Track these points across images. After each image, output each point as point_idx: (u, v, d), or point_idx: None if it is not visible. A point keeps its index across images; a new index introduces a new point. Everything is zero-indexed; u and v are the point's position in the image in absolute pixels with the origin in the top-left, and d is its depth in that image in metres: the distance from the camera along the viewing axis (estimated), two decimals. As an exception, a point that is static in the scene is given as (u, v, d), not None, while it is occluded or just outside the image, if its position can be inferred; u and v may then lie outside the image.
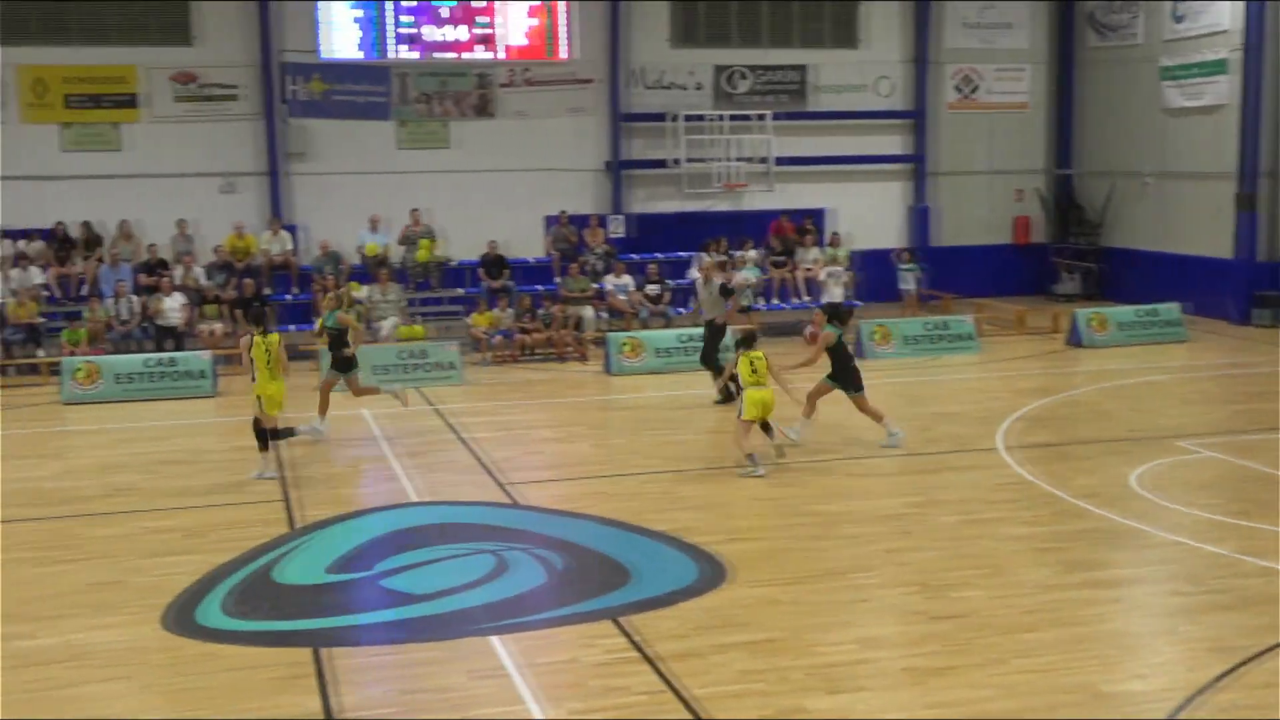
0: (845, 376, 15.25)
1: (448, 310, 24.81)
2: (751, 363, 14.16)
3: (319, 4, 26.14)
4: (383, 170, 26.54)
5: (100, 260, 23.50)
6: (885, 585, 10.45)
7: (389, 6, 26.53)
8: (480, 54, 27.18)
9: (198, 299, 22.76)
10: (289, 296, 24.28)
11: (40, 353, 21.74)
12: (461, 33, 27.02)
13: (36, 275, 22.86)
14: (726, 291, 18.75)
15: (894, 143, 29.99)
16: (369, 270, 23.99)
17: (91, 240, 24.05)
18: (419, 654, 9.09)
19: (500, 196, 26.99)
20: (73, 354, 20.61)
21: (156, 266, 23.29)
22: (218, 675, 8.80)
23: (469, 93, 27.25)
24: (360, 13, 26.45)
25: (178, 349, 21.31)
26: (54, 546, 12.03)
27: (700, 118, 27.80)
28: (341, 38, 26.42)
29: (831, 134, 29.17)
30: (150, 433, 17.21)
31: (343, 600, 10.44)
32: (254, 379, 14.44)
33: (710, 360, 18.53)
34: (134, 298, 22.42)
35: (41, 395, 19.97)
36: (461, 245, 25.20)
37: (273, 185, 26.18)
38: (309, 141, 26.40)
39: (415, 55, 26.86)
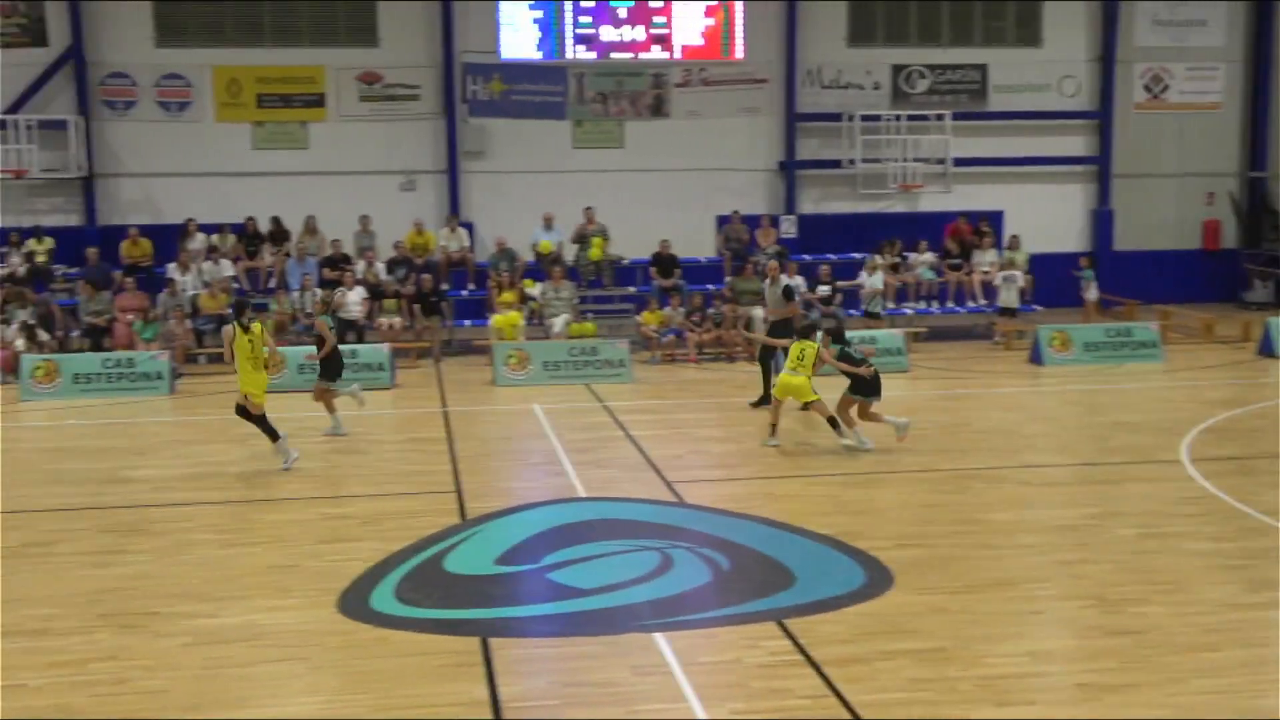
0: (861, 385, 15.42)
1: (618, 308, 24.98)
2: (802, 351, 15.25)
3: (500, 5, 26.59)
4: (557, 169, 26.88)
5: (287, 254, 24.30)
6: (1059, 598, 10.15)
7: (567, 7, 26.85)
8: (656, 54, 27.32)
9: (377, 293, 23.36)
10: (465, 292, 24.75)
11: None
12: (638, 33, 27.19)
13: (227, 268, 23.77)
14: (789, 293, 18.50)
15: (1076, 144, 29.16)
16: (542, 267, 24.30)
17: (279, 235, 24.89)
18: (583, 648, 9.15)
19: (672, 196, 27.08)
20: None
21: (339, 261, 23.97)
22: (389, 660, 9.01)
23: (644, 93, 27.42)
24: (539, 14, 26.83)
25: (358, 342, 21.89)
26: (236, 529, 12.47)
27: (876, 118, 27.45)
28: (520, 39, 26.84)
29: (1011, 134, 28.53)
30: (327, 422, 17.70)
31: (510, 591, 10.59)
32: (237, 371, 14.89)
33: (765, 363, 18.33)
34: (318, 291, 23.11)
35: (228, 383, 20.69)
36: (633, 244, 25.36)
37: (451, 183, 26.75)
38: (486, 140, 26.89)
39: (592, 56, 27.13)
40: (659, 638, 9.23)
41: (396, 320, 22.97)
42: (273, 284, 23.87)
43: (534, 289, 23.61)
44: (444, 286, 24.17)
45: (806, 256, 25.77)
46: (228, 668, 8.93)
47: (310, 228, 24.90)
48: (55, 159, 25.20)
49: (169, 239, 24.61)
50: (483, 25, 26.64)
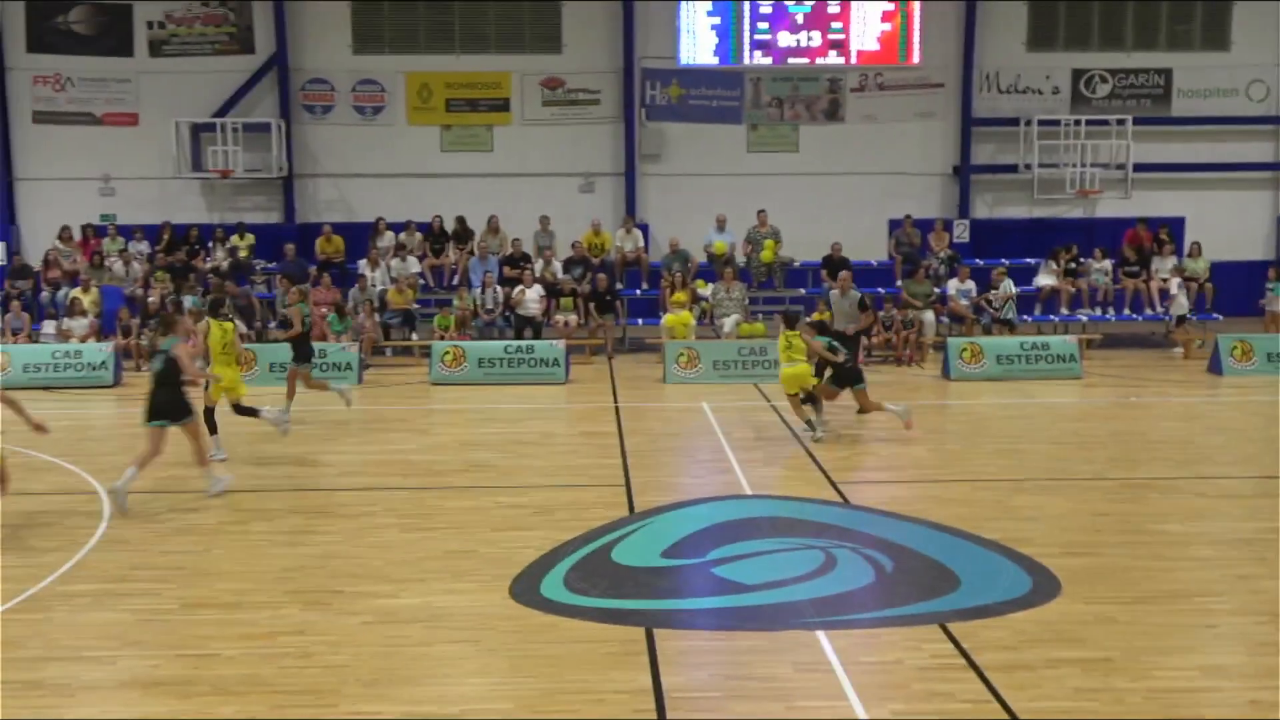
0: (843, 376, 15.91)
1: (789, 310, 24.84)
2: (789, 340, 15.57)
3: (680, 11, 26.69)
4: (732, 172, 26.87)
5: (470, 253, 24.82)
6: (1234, 612, 9.72)
7: (745, 13, 26.79)
8: (832, 59, 27.08)
9: (554, 291, 23.68)
10: (638, 291, 24.92)
11: (414, 336, 23.20)
12: (814, 39, 27.00)
13: (414, 265, 24.39)
14: (864, 305, 17.97)
15: (1264, 150, 27.91)
16: (715, 268, 24.31)
17: (463, 234, 25.43)
18: (745, 642, 9.12)
19: (845, 199, 26.83)
20: (442, 339, 21.88)
21: (519, 260, 24.38)
22: (557, 646, 9.12)
23: (819, 97, 27.22)
24: (717, 20, 26.84)
25: (535, 338, 22.23)
26: (416, 515, 12.78)
27: (1055, 122, 26.72)
28: (699, 44, 26.89)
29: (1194, 140, 27.48)
30: (506, 415, 18.03)
31: (675, 584, 10.61)
32: (208, 363, 14.94)
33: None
34: (498, 288, 23.55)
35: (413, 375, 21.31)
36: (804, 246, 25.18)
37: (628, 185, 26.96)
38: (664, 143, 27.04)
39: (768, 61, 27.03)
40: (821, 635, 9.15)
41: (572, 318, 23.26)
42: (455, 281, 24.39)
43: (706, 289, 23.65)
44: (618, 285, 24.38)
45: (979, 261, 25.23)
46: (405, 646, 9.16)
47: (493, 227, 25.38)
48: (258, 160, 26.20)
49: (360, 236, 25.39)
50: (662, 31, 26.78)
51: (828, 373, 16.18)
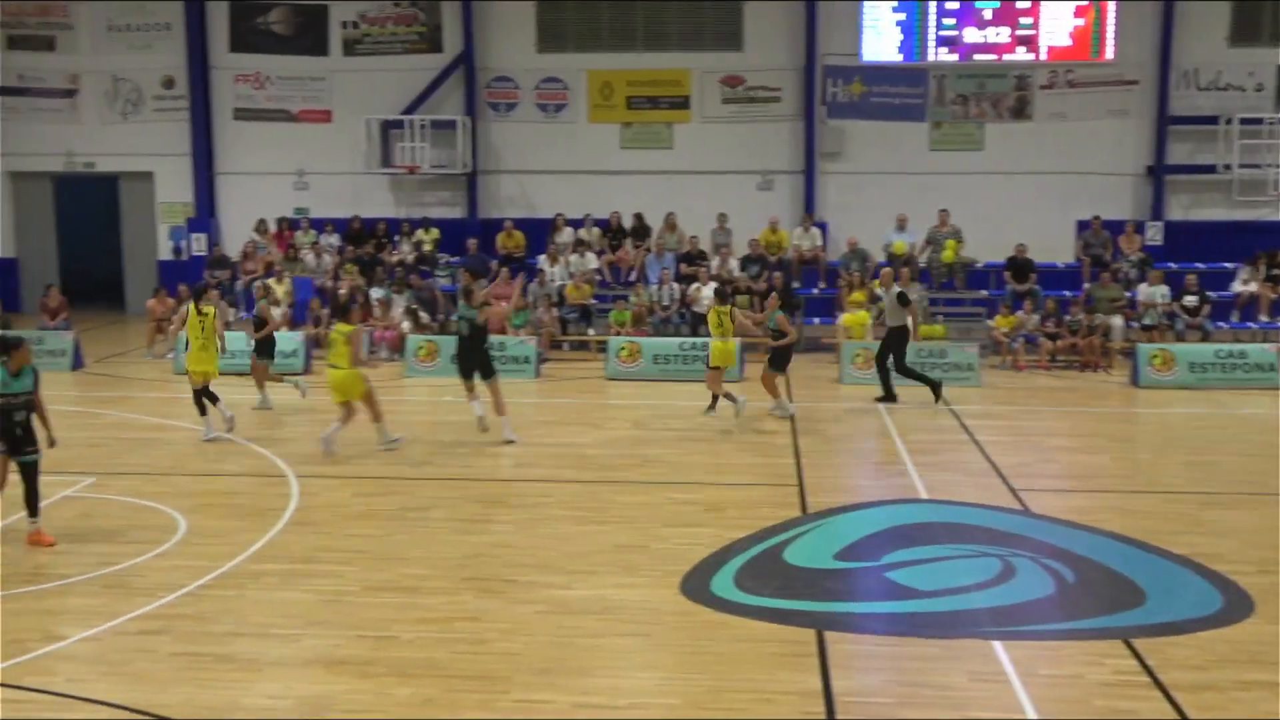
0: (779, 359, 17.13)
1: (969, 311, 24.34)
2: (719, 316, 17.15)
3: (863, 8, 26.37)
4: (913, 171, 26.42)
5: (647, 249, 24.97)
6: None
7: (931, 9, 26.32)
8: (1020, 55, 26.39)
9: (730, 289, 23.64)
10: (815, 290, 24.72)
11: (590, 331, 23.46)
12: (1002, 34, 26.35)
13: (592, 261, 24.67)
14: (904, 299, 18.16)
15: None
16: (894, 268, 23.92)
17: (641, 230, 25.60)
18: (918, 649, 8.97)
19: (1030, 199, 26.12)
20: (618, 334, 22.06)
21: (696, 257, 24.43)
22: (726, 644, 9.11)
23: (1006, 95, 26.57)
24: (902, 16, 26.43)
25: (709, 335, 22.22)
26: (589, 508, 12.92)
27: (1258, 121, 25.53)
28: (882, 41, 26.52)
29: None
30: (679, 411, 18.07)
31: (847, 587, 10.50)
32: (186, 348, 16.00)
33: (905, 369, 18.54)
34: (675, 285, 23.63)
35: (589, 369, 21.54)
36: (987, 247, 24.60)
37: (807, 183, 26.77)
38: (844, 141, 26.76)
39: (954, 58, 26.50)
40: (997, 646, 8.93)
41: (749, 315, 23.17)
42: (633, 277, 24.56)
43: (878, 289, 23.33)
44: (795, 284, 24.22)
45: (1173, 265, 24.28)
46: (577, 637, 9.27)
47: (670, 224, 25.47)
48: (443, 156, 26.82)
49: (540, 232, 25.79)
50: (845, 28, 26.48)
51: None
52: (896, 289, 18.72)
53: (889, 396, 18.45)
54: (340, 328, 14.97)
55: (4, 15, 27.89)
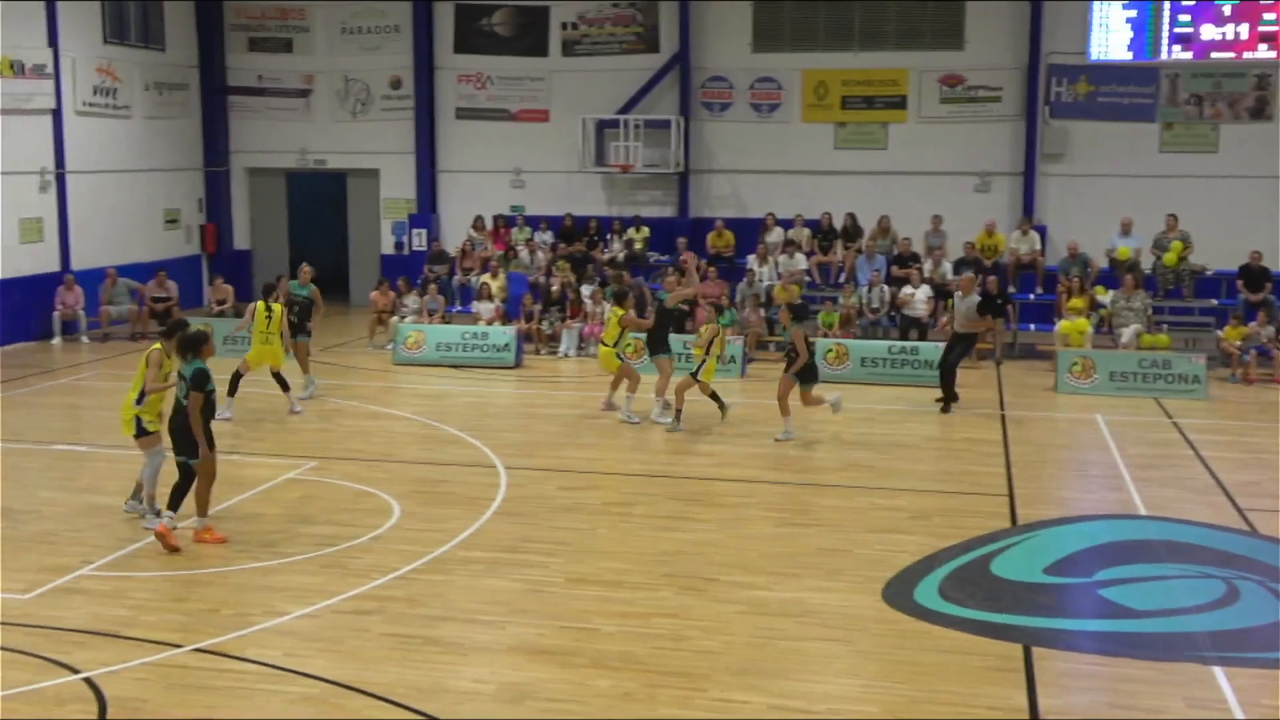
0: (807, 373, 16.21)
1: (1197, 321, 23.22)
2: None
3: (1093, 6, 25.47)
4: (1140, 173, 25.36)
5: (858, 251, 24.66)
6: None
7: (1165, 6, 25.21)
8: (1262, 53, 25.06)
9: (942, 293, 23.18)
10: (1031, 295, 23.99)
11: (797, 332, 23.26)
12: (1243, 31, 25.07)
13: (801, 261, 24.50)
14: (982, 310, 18.45)
15: None
16: (1115, 274, 23.07)
17: (852, 231, 25.29)
18: (1131, 670, 8.63)
19: (1268, 205, 24.75)
20: (825, 336, 21.86)
21: (908, 259, 24.01)
22: (929, 654, 8.94)
23: (1244, 94, 25.27)
24: (1133, 13, 25.41)
25: (921, 339, 21.84)
26: (791, 510, 12.85)
27: None
28: (1111, 39, 25.56)
29: None
30: (887, 415, 17.80)
31: (1057, 602, 10.18)
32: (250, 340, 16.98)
33: (946, 371, 18.29)
34: (885, 288, 23.29)
35: (796, 371, 21.37)
36: (1218, 254, 23.42)
37: (1026, 185, 26.00)
38: (1067, 143, 25.88)
39: (1188, 56, 25.34)
40: (1218, 672, 8.52)
41: (960, 320, 22.67)
42: (842, 278, 24.30)
43: (1105, 296, 22.48)
44: (1010, 289, 23.55)
45: None
46: (775, 639, 9.24)
47: (882, 226, 25.10)
48: (656, 155, 27.03)
49: (750, 232, 25.75)
50: (1072, 26, 25.61)
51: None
52: (975, 297, 18.50)
53: (950, 400, 18.23)
54: (615, 310, 17.31)
55: (246, 18, 29.38)
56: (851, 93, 26.72)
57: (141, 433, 11.79)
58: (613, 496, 13.21)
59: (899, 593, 10.18)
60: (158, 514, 11.60)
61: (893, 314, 22.99)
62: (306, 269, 19.29)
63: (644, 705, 8.10)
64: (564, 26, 28.00)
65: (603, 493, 13.36)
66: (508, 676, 8.59)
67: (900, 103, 26.55)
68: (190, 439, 11.18)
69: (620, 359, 17.28)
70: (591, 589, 10.30)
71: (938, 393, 18.31)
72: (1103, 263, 23.77)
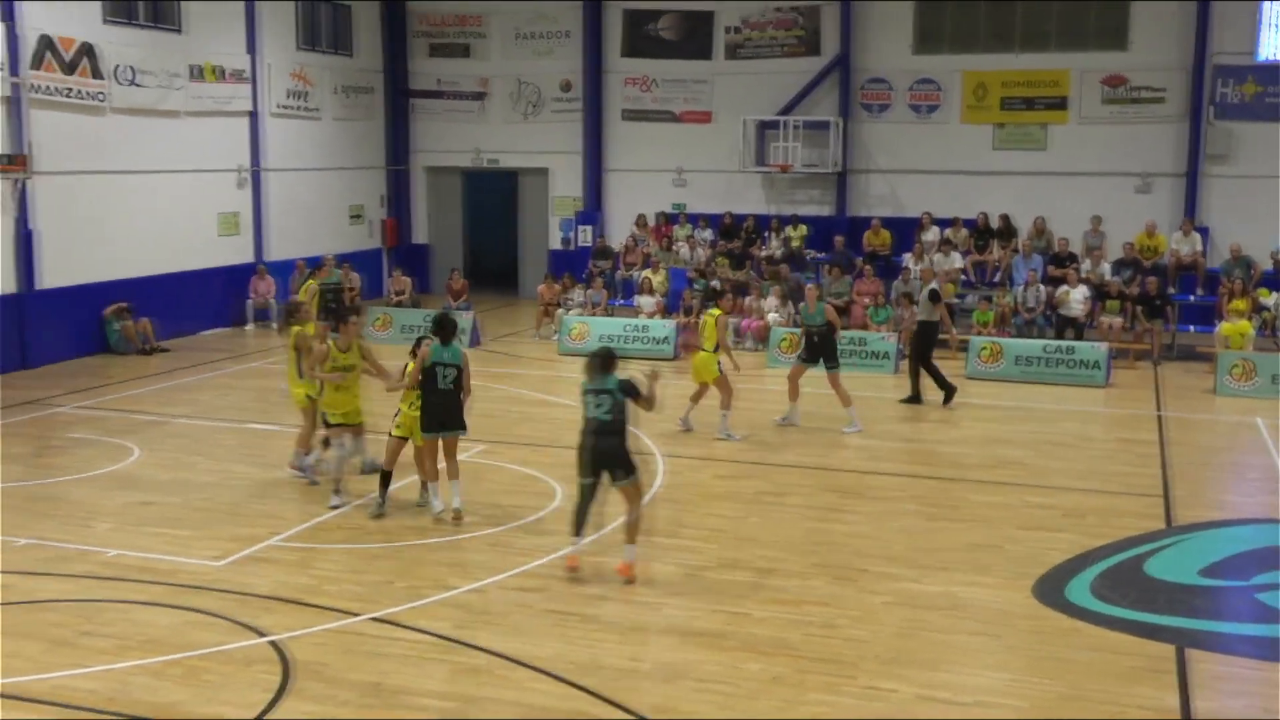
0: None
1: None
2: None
3: (1263, 5, 24.36)
4: (1308, 175, 24.22)
5: (1014, 250, 24.08)
6: None
7: (1340, 6, 23.96)
8: None
9: (1100, 293, 22.48)
10: (1192, 297, 23.08)
11: (952, 330, 22.80)
12: None
13: (957, 259, 24.02)
14: (935, 296, 17.80)
15: None
16: (1279, 277, 22.05)
17: (1008, 231, 24.70)
18: (1289, 677, 8.26)
19: None
20: (979, 334, 21.40)
21: (1065, 259, 23.34)
22: (1079, 652, 8.70)
23: None
24: (1303, 13, 24.22)
25: (1077, 339, 21.23)
26: (942, 505, 12.63)
27: None
28: (1280, 39, 24.42)
29: None
30: (1040, 414, 17.35)
31: (1213, 605, 9.81)
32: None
33: (929, 366, 17.76)
34: (1041, 287, 22.67)
35: (947, 368, 20.90)
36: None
37: (1189, 186, 25.02)
38: (1232, 144, 24.80)
39: (1362, 55, 24.06)
40: (1380, 682, 8.10)
41: (1117, 320, 21.95)
42: (997, 278, 23.76)
43: (1269, 299, 21.52)
44: (1170, 290, 22.72)
45: None
46: (924, 631, 9.10)
47: (1039, 226, 24.46)
48: (815, 156, 26.80)
49: (906, 230, 25.35)
50: (1240, 27, 24.53)
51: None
52: (932, 286, 18.11)
53: (915, 398, 17.82)
54: (712, 312, 15.55)
55: (428, 25, 30.05)
56: (1011, 94, 26.08)
57: (331, 423, 12.20)
58: (766, 486, 13.17)
59: (1050, 590, 9.93)
60: (336, 492, 12.04)
61: (1048, 313, 22.37)
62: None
63: (793, 689, 8.07)
64: (728, 30, 27.95)
65: (756, 482, 13.33)
66: (663, 656, 8.65)
67: (1061, 103, 25.80)
68: (627, 459, 10.23)
69: (719, 369, 15.27)
70: (744, 575, 10.29)
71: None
72: (1266, 265, 22.77)
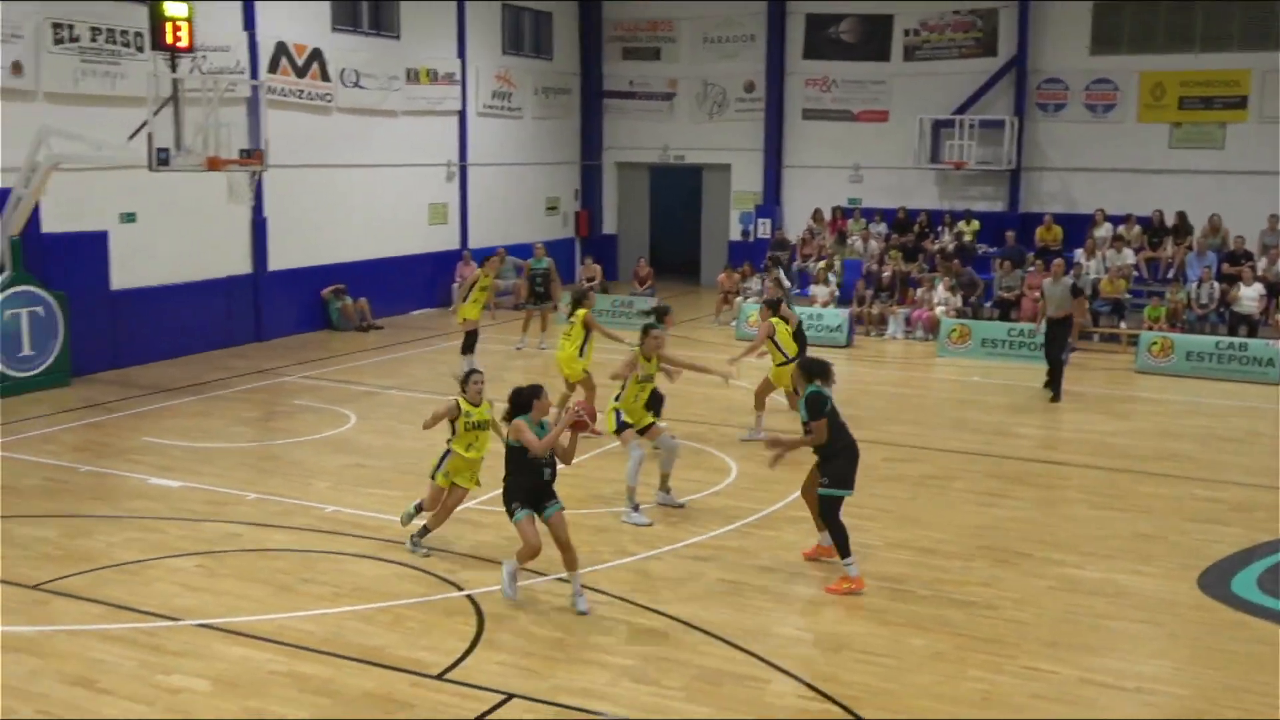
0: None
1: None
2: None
3: None
4: None
5: (1188, 248, 22.98)
6: None
7: None
8: None
9: (1275, 291, 21.26)
10: (1373, 297, 21.65)
11: (1122, 325, 21.94)
12: None
13: (1129, 256, 23.04)
14: (1077, 291, 17.32)
15: None
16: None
17: (1183, 229, 23.58)
18: None
19: None
20: (1150, 329, 20.51)
21: (1240, 257, 22.16)
22: (1245, 644, 8.28)
23: None
24: None
25: (1250, 336, 20.15)
26: (1108, 494, 12.15)
27: None
28: None
29: None
30: (1211, 409, 16.55)
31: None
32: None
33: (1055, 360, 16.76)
34: (1215, 284, 21.59)
35: (1117, 362, 20.18)
36: None
37: (1367, 183, 23.45)
38: None
39: None
40: None
41: (1293, 319, 20.76)
42: (1170, 274, 22.72)
43: None
44: (1343, 289, 21.35)
45: None
46: (1085, 617, 8.79)
47: (1213, 225, 23.28)
48: (989, 153, 26.06)
49: (1078, 227, 24.45)
50: None
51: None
52: (1068, 280, 16.99)
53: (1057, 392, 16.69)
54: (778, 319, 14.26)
55: (622, 31, 30.28)
56: (1190, 93, 24.85)
57: (621, 426, 11.24)
58: (931, 470, 12.90)
59: (1215, 582, 9.47)
60: (636, 508, 10.94)
61: (1222, 310, 21.29)
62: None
63: (954, 665, 7.90)
64: (906, 33, 27.39)
65: (923, 466, 13.06)
66: (828, 628, 8.57)
67: (1241, 103, 24.46)
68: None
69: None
70: (909, 554, 10.11)
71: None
72: None
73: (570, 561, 8.71)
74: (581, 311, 14.00)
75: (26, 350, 16.23)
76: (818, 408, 9.23)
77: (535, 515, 8.76)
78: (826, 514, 9.31)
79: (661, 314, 13.48)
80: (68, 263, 17.18)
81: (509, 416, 8.87)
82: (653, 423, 11.45)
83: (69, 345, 16.78)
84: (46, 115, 16.47)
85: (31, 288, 16.27)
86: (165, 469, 12.49)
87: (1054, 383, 16.84)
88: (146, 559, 9.75)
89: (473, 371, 10.03)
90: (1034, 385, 17.06)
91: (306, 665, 7.75)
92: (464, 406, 9.75)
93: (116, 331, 18.07)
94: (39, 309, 16.38)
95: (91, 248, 17.73)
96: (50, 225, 16.97)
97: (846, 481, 9.34)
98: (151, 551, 9.92)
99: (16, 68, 16.52)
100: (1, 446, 13.29)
